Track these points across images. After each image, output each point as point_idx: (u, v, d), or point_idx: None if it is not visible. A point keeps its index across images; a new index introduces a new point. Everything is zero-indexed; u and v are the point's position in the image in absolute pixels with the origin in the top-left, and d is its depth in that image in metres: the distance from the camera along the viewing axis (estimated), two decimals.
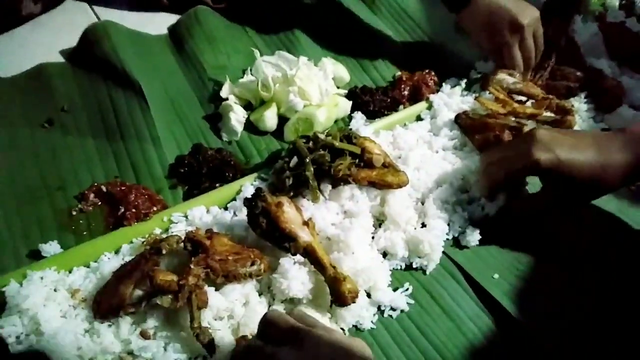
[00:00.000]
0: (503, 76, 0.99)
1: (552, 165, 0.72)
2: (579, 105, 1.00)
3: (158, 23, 1.13)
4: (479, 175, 0.83)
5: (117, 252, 0.73)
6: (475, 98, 0.97)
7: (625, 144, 0.73)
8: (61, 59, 1.02)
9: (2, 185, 0.80)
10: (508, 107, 0.94)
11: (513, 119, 0.91)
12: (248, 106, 0.98)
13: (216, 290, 0.67)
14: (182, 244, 0.68)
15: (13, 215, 0.78)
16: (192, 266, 0.64)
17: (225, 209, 0.80)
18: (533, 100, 0.98)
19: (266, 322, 0.57)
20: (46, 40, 1.04)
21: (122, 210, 0.77)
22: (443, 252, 0.78)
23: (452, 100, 0.99)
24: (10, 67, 0.97)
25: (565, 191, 0.75)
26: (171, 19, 1.14)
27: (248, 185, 0.82)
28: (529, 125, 0.89)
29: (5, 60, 0.99)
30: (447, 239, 0.80)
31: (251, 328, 0.66)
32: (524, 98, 0.99)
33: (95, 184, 0.81)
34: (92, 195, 0.80)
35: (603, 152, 0.73)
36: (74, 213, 0.79)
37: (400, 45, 1.16)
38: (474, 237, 0.80)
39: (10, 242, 0.75)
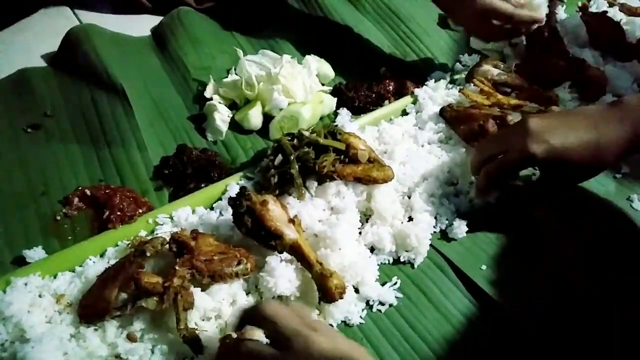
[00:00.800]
0: (487, 67, 1.00)
1: (548, 155, 0.72)
2: (563, 95, 1.00)
3: (141, 25, 1.13)
4: (468, 170, 0.83)
5: (102, 255, 0.73)
6: (460, 90, 0.97)
7: (621, 118, 0.73)
8: (43, 64, 1.01)
9: None
10: (492, 99, 0.94)
11: (497, 109, 0.91)
12: (232, 106, 0.98)
13: (202, 290, 0.67)
14: (167, 246, 0.68)
15: None
16: (177, 267, 0.64)
17: (211, 209, 0.80)
18: (517, 91, 0.99)
19: (266, 316, 0.55)
20: (27, 45, 1.04)
21: (107, 213, 0.76)
22: (430, 245, 0.78)
23: (436, 93, 0.99)
24: None
25: (563, 175, 0.75)
26: (154, 20, 1.14)
27: (233, 185, 0.82)
28: (513, 115, 0.89)
29: None
30: (434, 232, 0.80)
31: None
32: (508, 89, 0.99)
33: (80, 188, 0.81)
34: (76, 200, 0.80)
35: (598, 129, 0.72)
36: (59, 218, 0.78)
37: (385, 41, 1.16)
38: (461, 229, 0.80)
39: None
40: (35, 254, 0.73)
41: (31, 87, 0.95)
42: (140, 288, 0.62)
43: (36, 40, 1.05)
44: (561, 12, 1.22)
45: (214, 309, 0.66)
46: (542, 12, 1.09)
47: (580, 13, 1.17)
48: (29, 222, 0.78)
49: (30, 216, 0.79)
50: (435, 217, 0.81)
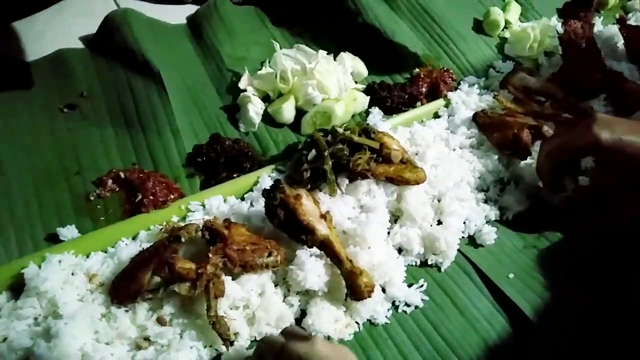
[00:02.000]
0: (523, 75, 0.99)
1: (613, 144, 0.71)
2: (598, 107, 0.99)
3: (176, 12, 1.13)
4: (537, 163, 0.81)
5: (134, 238, 0.74)
6: (494, 96, 0.96)
7: None
8: (81, 45, 1.02)
9: (21, 168, 0.81)
10: (526, 107, 0.93)
11: (532, 119, 0.90)
12: (266, 98, 0.98)
13: (233, 279, 0.67)
14: (200, 233, 0.68)
15: (31, 198, 0.78)
16: (210, 255, 0.64)
17: (242, 199, 0.80)
18: (551, 101, 0.98)
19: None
20: (66, 26, 1.05)
21: (140, 197, 0.77)
22: (458, 250, 0.78)
23: (470, 98, 0.99)
24: (31, 51, 0.98)
25: (624, 173, 0.74)
26: (189, 9, 1.14)
27: (265, 177, 0.82)
28: (548, 125, 0.89)
29: (25, 45, 0.99)
30: (463, 237, 0.80)
31: (266, 318, 0.66)
32: (542, 98, 0.98)
33: (114, 170, 0.82)
34: (110, 181, 0.81)
35: None
36: (92, 198, 0.79)
37: (419, 42, 1.15)
38: (490, 236, 0.80)
39: (29, 224, 0.75)
40: (69, 232, 0.74)
41: (68, 67, 0.96)
42: (173, 273, 0.63)
43: (74, 21, 1.06)
44: (598, 24, 1.20)
45: (243, 298, 0.67)
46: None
47: (618, 25, 1.16)
48: (62, 201, 0.79)
49: (64, 195, 0.80)
50: (465, 223, 0.81)
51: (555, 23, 1.19)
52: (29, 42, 1.00)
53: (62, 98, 0.92)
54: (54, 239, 0.74)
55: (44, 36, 1.02)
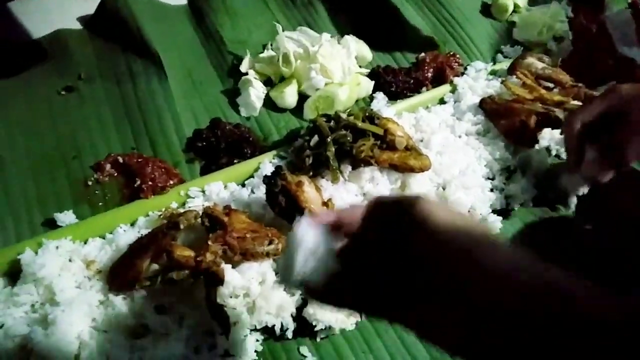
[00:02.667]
0: (531, 61, 0.96)
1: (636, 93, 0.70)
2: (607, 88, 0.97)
3: None
4: (563, 133, 0.79)
5: (133, 224, 0.72)
6: (502, 82, 0.94)
7: None
8: (79, 26, 0.99)
9: (18, 152, 0.79)
10: (535, 93, 0.91)
11: (540, 105, 0.88)
12: (267, 82, 0.96)
13: (233, 267, 0.66)
14: (199, 220, 0.67)
15: (28, 182, 0.77)
16: (210, 243, 0.63)
17: (243, 185, 0.79)
18: (560, 87, 0.95)
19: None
20: (63, 6, 1.02)
21: (139, 182, 0.76)
22: None
23: (477, 84, 0.96)
24: (29, 31, 0.95)
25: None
26: None
27: (267, 163, 0.80)
28: (557, 112, 0.86)
29: (23, 25, 0.97)
30: None
31: (267, 307, 0.65)
32: (551, 84, 0.96)
33: (112, 155, 0.80)
34: (108, 166, 0.79)
35: None
36: (90, 183, 0.78)
37: (426, 26, 1.12)
38: (495, 225, 0.79)
39: (26, 209, 0.74)
40: (66, 217, 0.72)
41: (66, 49, 0.94)
42: (172, 260, 0.62)
43: (72, 1, 1.03)
44: (610, 8, 1.17)
45: (243, 286, 0.66)
46: None
47: (631, 10, 1.12)
48: (60, 185, 0.78)
49: (61, 179, 0.78)
50: (469, 211, 0.79)
51: (566, 7, 1.16)
52: (26, 21, 0.97)
53: (60, 80, 0.90)
54: (51, 225, 0.72)
55: (41, 16, 1.00)
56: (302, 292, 0.46)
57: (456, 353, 0.38)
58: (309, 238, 0.44)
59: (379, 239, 0.42)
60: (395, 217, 0.41)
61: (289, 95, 0.92)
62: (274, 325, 0.65)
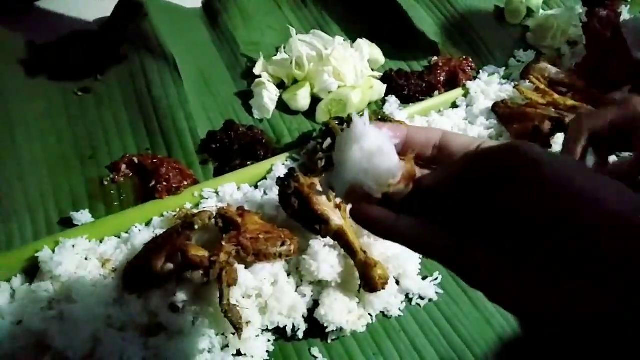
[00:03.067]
0: (545, 65, 0.96)
1: None
2: (622, 99, 0.96)
3: None
4: (568, 132, 0.76)
5: (147, 224, 0.73)
6: (515, 86, 0.94)
7: None
8: (95, 28, 1.01)
9: (36, 151, 0.81)
10: (548, 98, 0.91)
11: (553, 110, 0.88)
12: (280, 84, 0.97)
13: (246, 268, 0.67)
14: (213, 220, 0.68)
15: (45, 181, 0.78)
16: (223, 243, 0.64)
17: (256, 187, 0.79)
18: (574, 92, 0.95)
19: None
20: (80, 8, 1.04)
21: (153, 182, 0.77)
22: None
23: (489, 88, 0.96)
24: (46, 33, 0.97)
25: None
26: None
27: (279, 165, 0.81)
28: (570, 117, 0.86)
29: (40, 26, 0.98)
30: None
31: (279, 308, 0.66)
32: (564, 89, 0.96)
33: (127, 155, 0.81)
34: (123, 166, 0.80)
35: None
36: (106, 183, 0.79)
37: (439, 31, 1.13)
38: None
39: (43, 208, 0.75)
40: (82, 216, 0.74)
41: (83, 50, 0.95)
42: (186, 260, 0.62)
43: (89, 3, 1.05)
44: (625, 12, 1.17)
45: (256, 287, 0.66)
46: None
47: None
48: (76, 185, 0.79)
49: (78, 179, 0.80)
50: None
51: (580, 11, 1.16)
52: (44, 23, 0.99)
53: (76, 81, 0.91)
54: (67, 223, 0.74)
55: (59, 18, 1.02)
56: (348, 200, 0.36)
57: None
58: (370, 138, 0.34)
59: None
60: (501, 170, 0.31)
61: (301, 98, 0.93)
62: (285, 326, 0.66)
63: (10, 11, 1.00)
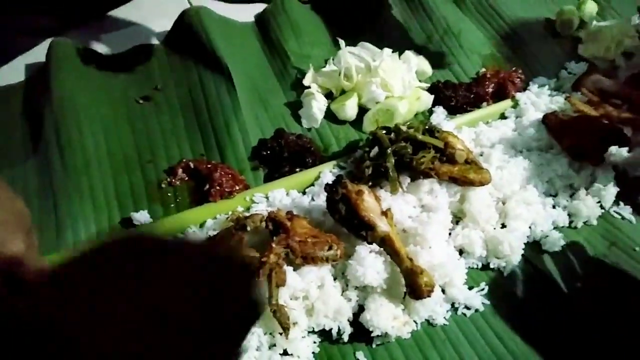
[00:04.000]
0: (598, 77, 0.94)
1: None
2: None
3: (246, 11, 1.17)
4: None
5: (201, 225, 0.77)
6: (566, 98, 0.92)
7: None
8: (156, 42, 1.07)
9: (101, 153, 0.86)
10: (601, 110, 0.89)
11: (606, 122, 0.86)
12: (328, 95, 1.00)
13: (294, 270, 0.69)
14: (264, 223, 0.70)
15: (109, 182, 0.84)
16: (273, 245, 0.66)
17: (304, 193, 0.82)
18: (629, 104, 0.92)
19: None
20: (143, 23, 1.10)
21: (207, 187, 0.80)
22: (523, 255, 0.76)
23: (540, 99, 0.95)
24: (113, 45, 1.04)
25: None
26: (258, 7, 1.17)
27: (327, 172, 0.83)
28: (625, 130, 0.84)
29: (108, 39, 1.06)
30: (528, 242, 0.78)
31: (324, 310, 0.67)
32: (619, 101, 0.93)
33: (184, 160, 0.86)
34: (180, 170, 0.85)
35: None
36: (163, 186, 0.84)
37: (488, 42, 1.13)
38: (557, 242, 0.77)
39: (106, 207, 0.80)
40: (141, 217, 0.78)
41: (145, 62, 1.01)
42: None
43: (150, 19, 1.11)
44: None
45: (303, 289, 0.68)
46: None
47: None
48: (136, 187, 0.84)
49: (138, 181, 0.85)
50: (530, 227, 0.78)
51: (636, 22, 1.13)
52: (112, 36, 1.06)
53: (138, 90, 0.97)
54: (127, 223, 0.78)
55: (124, 31, 1.08)
56: None
57: None
58: None
59: None
60: None
61: (349, 108, 0.95)
62: (331, 329, 0.67)
63: (82, 22, 1.07)
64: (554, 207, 0.82)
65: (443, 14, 1.16)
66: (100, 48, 1.04)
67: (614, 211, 0.83)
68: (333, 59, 1.03)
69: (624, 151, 0.87)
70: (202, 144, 0.90)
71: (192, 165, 0.84)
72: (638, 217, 0.82)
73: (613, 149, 0.86)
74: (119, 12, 1.13)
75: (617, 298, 0.72)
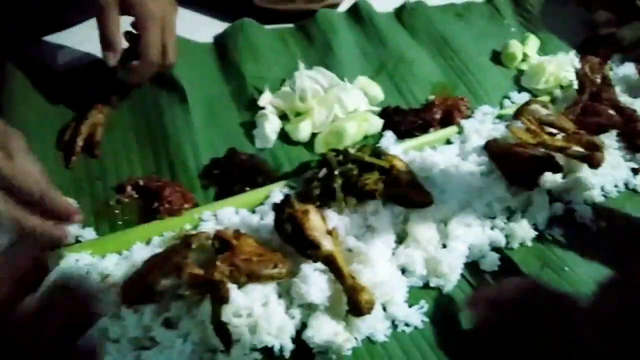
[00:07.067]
0: (536, 107, 1.00)
1: None
2: (610, 142, 1.00)
3: (204, 32, 1.19)
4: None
5: (148, 242, 0.77)
6: (507, 126, 0.98)
7: None
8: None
9: (52, 171, 0.85)
10: (538, 138, 0.94)
11: (542, 150, 0.92)
12: (283, 116, 1.02)
13: (238, 288, 0.69)
14: (210, 241, 0.71)
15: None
16: (218, 263, 0.67)
17: (253, 212, 0.83)
18: (563, 134, 0.99)
19: None
20: (95, 39, 1.10)
21: (156, 204, 0.81)
22: (461, 275, 0.79)
23: (483, 127, 1.01)
24: (68, 61, 1.04)
25: None
26: (217, 28, 1.20)
27: (276, 192, 0.85)
28: (558, 158, 0.90)
29: (64, 55, 1.05)
30: (466, 262, 0.81)
31: (267, 328, 0.68)
32: (554, 130, 0.99)
33: (133, 178, 0.86)
34: (129, 188, 0.84)
35: None
36: (111, 203, 0.83)
37: (439, 71, 1.18)
38: (493, 263, 0.81)
39: None
40: (88, 233, 0.78)
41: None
42: (183, 277, 0.65)
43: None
44: (616, 61, 1.22)
45: (247, 307, 0.69)
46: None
47: (635, 63, 1.17)
48: (84, 204, 0.83)
49: (86, 199, 0.84)
50: (469, 248, 0.82)
51: (573, 58, 1.21)
52: (64, 53, 1.06)
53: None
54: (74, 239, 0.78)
55: (78, 48, 1.08)
56: None
57: None
58: None
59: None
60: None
61: (302, 130, 0.97)
62: (273, 346, 0.68)
63: (38, 36, 1.06)
64: (492, 228, 0.86)
65: (397, 43, 1.22)
66: (55, 64, 1.03)
67: (548, 233, 0.88)
68: (289, 81, 1.06)
69: (558, 177, 0.93)
70: (154, 162, 0.90)
71: (141, 182, 0.84)
72: (568, 240, 0.87)
73: (548, 175, 0.92)
74: (79, 29, 1.12)
75: (547, 317, 0.76)
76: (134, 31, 0.95)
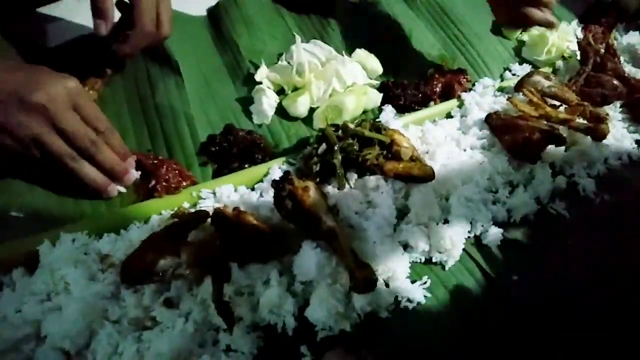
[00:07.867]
0: (538, 79, 0.99)
1: None
2: (613, 114, 0.99)
3: (197, 4, 1.15)
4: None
5: (146, 222, 0.75)
6: (508, 99, 0.96)
7: None
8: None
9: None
10: (540, 110, 0.93)
11: (544, 122, 0.90)
12: (280, 91, 1.00)
13: (239, 266, 0.69)
14: (209, 219, 0.70)
15: (51, 179, 0.80)
16: (218, 242, 0.66)
17: (252, 189, 0.82)
18: (566, 106, 0.97)
19: None
20: (86, 12, 1.07)
21: (154, 182, 0.79)
22: (464, 250, 0.79)
23: (484, 99, 0.99)
24: (53, 37, 1.00)
25: None
26: (210, 1, 1.16)
27: (276, 168, 0.83)
28: (561, 130, 0.88)
29: (50, 30, 1.02)
30: (469, 237, 0.81)
31: (269, 306, 0.68)
32: (557, 102, 0.98)
33: None
34: None
35: None
36: None
37: (438, 44, 1.16)
38: (495, 237, 0.81)
39: (47, 204, 0.78)
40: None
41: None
42: (182, 257, 0.64)
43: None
44: (620, 30, 1.19)
45: (248, 285, 0.68)
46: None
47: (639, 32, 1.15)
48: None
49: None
50: (471, 223, 0.81)
51: (575, 28, 1.19)
52: (55, 29, 1.02)
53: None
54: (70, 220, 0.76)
55: (66, 22, 1.05)
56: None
57: None
58: None
59: None
60: None
61: (300, 105, 0.95)
62: (275, 324, 0.68)
63: (10, 18, 1.02)
64: (494, 203, 0.85)
65: (395, 13, 1.19)
66: (45, 37, 1.00)
67: (550, 207, 0.87)
68: (285, 55, 1.03)
69: (560, 150, 0.92)
70: (149, 140, 0.88)
71: (137, 160, 0.83)
72: (571, 212, 0.87)
73: (550, 147, 0.91)
74: (68, 2, 1.09)
75: (552, 292, 0.76)
76: (127, 1, 0.91)
